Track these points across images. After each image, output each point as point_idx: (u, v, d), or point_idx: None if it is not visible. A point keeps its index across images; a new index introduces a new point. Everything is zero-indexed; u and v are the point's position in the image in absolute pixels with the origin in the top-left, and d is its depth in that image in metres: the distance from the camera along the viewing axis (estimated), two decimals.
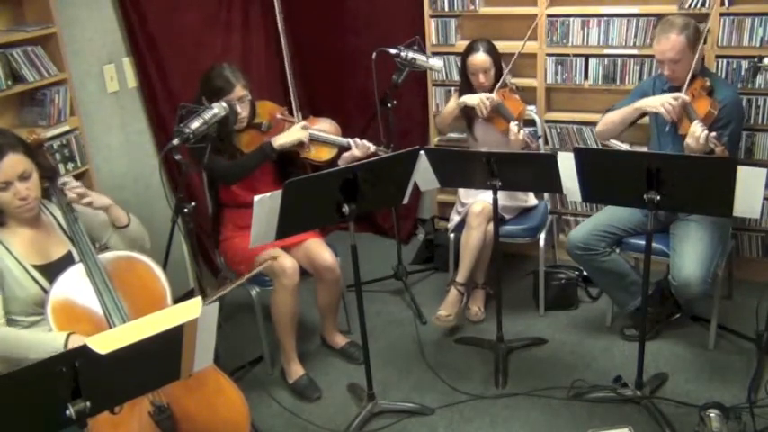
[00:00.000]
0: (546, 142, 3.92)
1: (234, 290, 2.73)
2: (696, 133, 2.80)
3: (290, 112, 3.38)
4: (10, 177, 2.23)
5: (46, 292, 2.25)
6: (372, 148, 3.21)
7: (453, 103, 3.60)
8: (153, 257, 2.44)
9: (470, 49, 3.52)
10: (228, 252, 3.22)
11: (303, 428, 2.97)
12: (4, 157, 2.22)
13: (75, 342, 2.09)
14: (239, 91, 3.04)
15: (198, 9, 3.79)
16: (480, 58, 3.48)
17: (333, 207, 2.65)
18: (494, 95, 3.44)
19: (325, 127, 3.27)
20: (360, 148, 3.17)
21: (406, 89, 3.90)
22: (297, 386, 3.17)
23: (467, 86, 3.60)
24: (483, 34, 3.63)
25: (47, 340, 2.15)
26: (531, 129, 3.65)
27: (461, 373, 3.22)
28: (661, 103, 2.99)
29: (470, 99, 3.47)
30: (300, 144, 3.10)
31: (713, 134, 2.80)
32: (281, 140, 3.07)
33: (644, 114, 3.20)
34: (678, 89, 3.04)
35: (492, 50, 3.51)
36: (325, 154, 3.20)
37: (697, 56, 2.99)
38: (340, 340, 3.43)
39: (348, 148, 3.19)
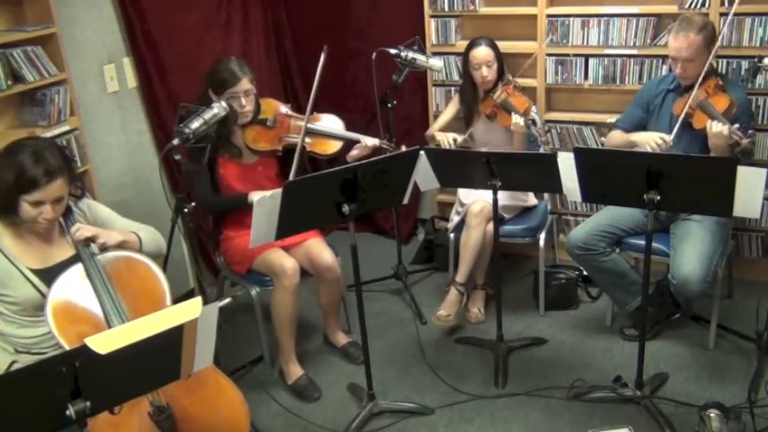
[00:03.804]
0: (546, 142, 3.91)
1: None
2: (724, 132, 2.80)
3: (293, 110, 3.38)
4: (46, 199, 2.24)
5: (44, 296, 2.24)
6: (377, 142, 3.23)
7: (432, 132, 3.72)
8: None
9: (472, 45, 3.54)
10: (228, 252, 3.22)
11: (303, 428, 2.97)
12: (52, 182, 2.22)
13: None
14: (245, 84, 3.05)
15: (198, 9, 3.79)
16: (484, 51, 3.49)
17: (333, 207, 2.65)
18: (499, 96, 3.46)
19: (327, 122, 3.29)
20: (361, 148, 3.19)
21: (406, 89, 3.90)
22: (296, 387, 3.16)
23: (468, 86, 3.61)
24: (483, 34, 3.63)
25: None
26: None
27: (461, 373, 3.22)
28: (647, 141, 3.06)
29: (438, 135, 3.60)
30: None
31: (735, 125, 2.80)
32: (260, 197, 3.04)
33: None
34: (688, 89, 3.05)
35: (494, 46, 3.52)
36: (329, 147, 3.23)
37: (710, 56, 3.00)
38: (342, 339, 3.43)
39: (354, 142, 3.21)
